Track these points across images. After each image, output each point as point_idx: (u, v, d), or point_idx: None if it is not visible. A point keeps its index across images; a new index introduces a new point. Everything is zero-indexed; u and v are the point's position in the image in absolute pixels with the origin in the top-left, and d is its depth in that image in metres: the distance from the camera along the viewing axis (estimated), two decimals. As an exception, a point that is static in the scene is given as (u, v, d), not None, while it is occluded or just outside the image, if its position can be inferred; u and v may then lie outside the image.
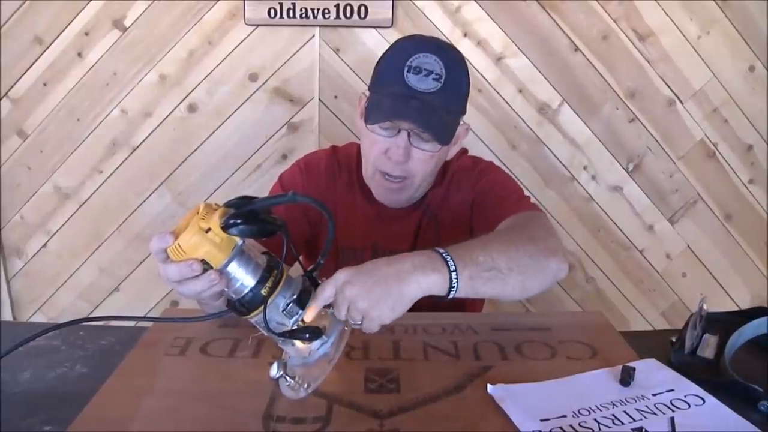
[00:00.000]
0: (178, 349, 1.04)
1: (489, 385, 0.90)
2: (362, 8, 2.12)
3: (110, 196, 2.30)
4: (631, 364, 0.93)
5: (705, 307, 1.09)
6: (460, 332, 1.12)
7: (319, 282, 0.88)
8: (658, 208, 2.37)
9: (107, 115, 2.23)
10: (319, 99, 2.22)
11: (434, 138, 1.18)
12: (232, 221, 0.76)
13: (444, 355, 1.03)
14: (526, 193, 1.36)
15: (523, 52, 2.21)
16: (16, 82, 2.19)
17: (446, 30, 2.17)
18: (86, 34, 2.15)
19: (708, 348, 1.04)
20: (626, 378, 0.91)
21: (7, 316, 2.38)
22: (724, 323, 1.09)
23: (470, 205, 1.36)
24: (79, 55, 2.17)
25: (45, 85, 2.19)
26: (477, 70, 2.21)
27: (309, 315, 0.85)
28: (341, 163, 1.40)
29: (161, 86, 2.20)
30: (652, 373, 0.95)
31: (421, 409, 0.87)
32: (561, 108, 2.26)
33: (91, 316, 2.29)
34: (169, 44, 2.17)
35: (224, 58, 2.18)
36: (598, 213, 2.36)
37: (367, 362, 1.00)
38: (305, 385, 0.85)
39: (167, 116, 2.23)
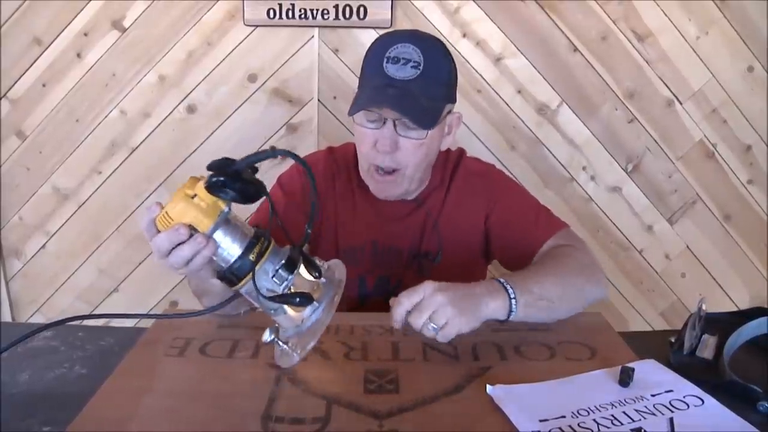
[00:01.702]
0: (177, 349, 1.04)
1: (488, 386, 0.90)
2: (361, 9, 2.12)
3: (109, 197, 2.30)
4: (630, 365, 0.93)
5: (704, 307, 1.09)
6: (459, 333, 1.12)
7: (313, 258, 0.88)
8: (657, 208, 2.37)
9: (106, 116, 2.23)
10: (319, 100, 2.22)
11: (414, 121, 1.19)
12: (215, 179, 0.79)
13: (443, 355, 1.03)
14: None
15: (522, 53, 2.21)
16: (15, 83, 2.19)
17: (445, 30, 2.17)
18: (85, 34, 2.15)
19: (707, 348, 1.04)
20: (625, 379, 0.91)
21: (6, 317, 2.37)
22: (722, 324, 1.09)
23: (484, 217, 1.37)
24: (78, 55, 2.17)
25: (44, 85, 2.19)
26: (476, 71, 2.21)
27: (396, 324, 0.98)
28: (339, 164, 1.41)
29: (160, 87, 2.20)
30: (651, 373, 0.94)
31: (421, 410, 0.86)
32: (560, 108, 2.26)
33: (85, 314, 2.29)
34: (168, 45, 2.17)
35: (223, 59, 2.19)
36: (597, 213, 2.36)
37: (366, 363, 1.00)
38: (298, 350, 0.86)
39: (166, 117, 2.23)
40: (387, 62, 1.19)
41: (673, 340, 1.08)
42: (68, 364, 1.03)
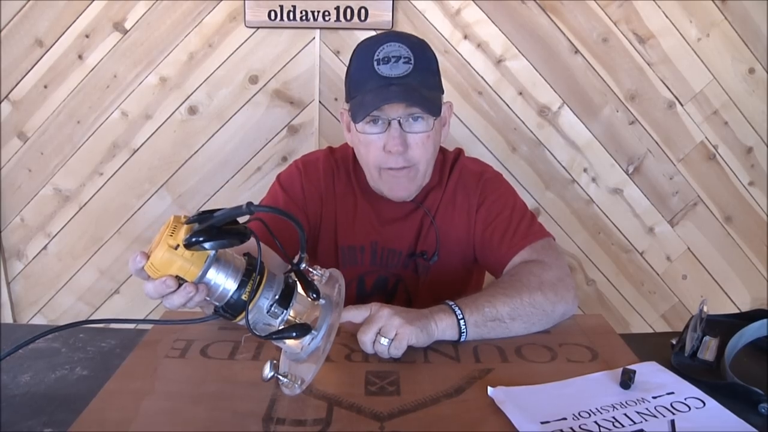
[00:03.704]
0: (178, 351, 1.04)
1: (489, 388, 0.90)
2: (362, 10, 2.12)
3: (110, 199, 2.30)
4: (631, 367, 0.93)
5: (705, 309, 1.09)
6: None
7: (311, 271, 0.86)
8: (658, 210, 2.37)
9: (107, 118, 2.23)
10: (320, 101, 2.22)
11: (425, 111, 1.21)
12: (194, 239, 0.76)
13: (444, 357, 1.03)
14: (528, 199, 1.38)
15: (523, 55, 2.21)
16: (16, 85, 2.19)
17: (446, 32, 2.18)
18: (87, 36, 2.15)
19: (708, 350, 1.05)
20: (626, 381, 0.91)
21: (8, 319, 2.38)
22: (724, 326, 1.10)
23: (474, 214, 1.37)
24: (80, 57, 2.17)
25: (45, 87, 2.20)
26: (477, 72, 2.21)
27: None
28: (339, 164, 1.41)
29: (161, 88, 2.20)
30: (653, 375, 0.95)
31: (422, 412, 0.87)
32: (561, 110, 2.26)
33: (90, 318, 2.30)
34: (170, 47, 2.17)
35: (224, 61, 2.19)
36: (599, 215, 2.36)
37: (367, 365, 1.00)
38: (299, 382, 0.85)
39: (167, 118, 2.23)
40: (378, 64, 1.20)
41: (674, 342, 1.08)
42: (69, 366, 1.03)
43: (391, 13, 2.12)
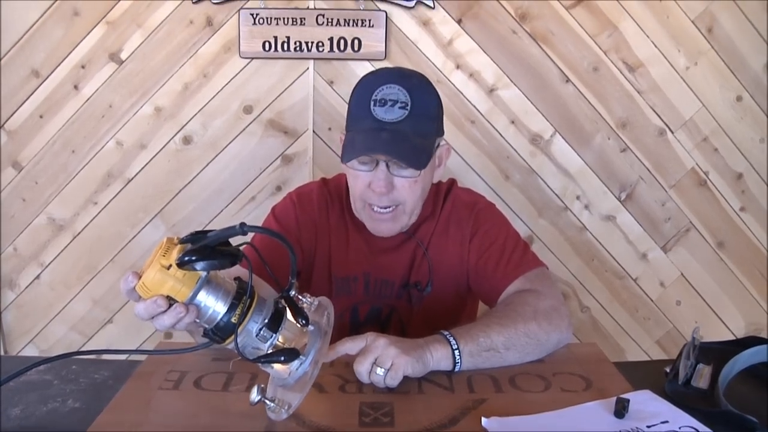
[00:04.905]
0: (171, 382, 1.04)
1: (483, 418, 0.90)
2: (356, 41, 2.15)
3: (105, 228, 2.29)
4: (625, 396, 0.93)
5: (698, 336, 1.09)
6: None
7: (300, 298, 0.87)
8: (651, 236, 2.38)
9: (102, 147, 2.24)
10: (314, 131, 2.24)
11: (408, 164, 1.21)
12: (186, 258, 0.77)
13: (438, 387, 1.03)
14: (522, 227, 1.38)
15: (515, 84, 2.24)
16: (12, 114, 2.20)
17: (439, 62, 2.21)
18: (83, 67, 2.17)
19: (702, 378, 1.04)
20: (621, 410, 0.91)
21: (-1, 349, 2.36)
22: (717, 353, 1.10)
23: (467, 244, 1.36)
24: (76, 87, 2.19)
25: (41, 117, 2.21)
26: (470, 102, 2.23)
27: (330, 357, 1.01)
28: (332, 195, 1.42)
29: (156, 118, 2.22)
30: (647, 404, 0.94)
31: (416, 443, 0.86)
32: (553, 138, 2.28)
33: (83, 349, 2.28)
34: (165, 77, 2.19)
35: (219, 91, 2.21)
36: (592, 242, 2.37)
37: (361, 395, 1.00)
38: (285, 407, 0.85)
39: (162, 148, 2.24)
40: (374, 105, 1.20)
41: (668, 369, 1.08)
42: (61, 398, 1.02)
43: (384, 44, 2.15)
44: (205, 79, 2.20)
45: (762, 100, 2.30)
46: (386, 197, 1.24)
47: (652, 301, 2.43)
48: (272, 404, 0.85)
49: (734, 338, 1.20)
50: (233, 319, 0.82)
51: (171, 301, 0.80)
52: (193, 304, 0.81)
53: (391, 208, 1.26)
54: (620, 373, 1.08)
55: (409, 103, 1.19)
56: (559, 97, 2.26)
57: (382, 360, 0.99)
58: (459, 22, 2.19)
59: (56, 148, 2.23)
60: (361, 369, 1.00)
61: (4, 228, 2.29)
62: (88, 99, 2.20)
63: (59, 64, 2.17)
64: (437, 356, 1.05)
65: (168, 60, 2.18)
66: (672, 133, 2.30)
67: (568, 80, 2.24)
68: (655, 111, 2.28)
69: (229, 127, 2.24)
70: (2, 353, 2.35)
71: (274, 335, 0.84)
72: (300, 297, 0.87)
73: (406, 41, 2.19)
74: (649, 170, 2.33)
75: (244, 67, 2.19)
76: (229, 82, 2.20)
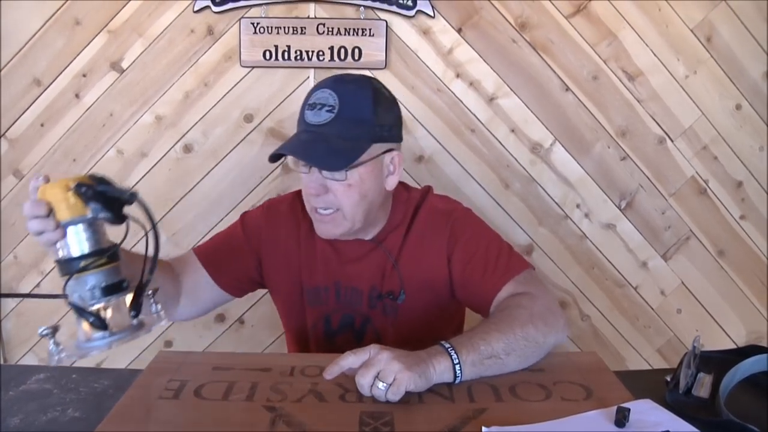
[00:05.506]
0: (172, 392, 1.04)
1: (484, 428, 0.90)
2: (356, 50, 2.16)
3: (105, 236, 2.29)
4: (626, 405, 0.93)
5: (698, 345, 1.09)
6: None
7: (151, 298, 0.95)
8: (651, 244, 2.38)
9: (103, 156, 2.24)
10: (314, 139, 2.23)
11: (317, 166, 1.23)
12: (82, 189, 0.88)
13: (438, 397, 1.03)
14: (522, 235, 1.38)
15: (515, 93, 2.25)
16: (13, 123, 2.21)
17: (439, 71, 2.21)
18: (84, 75, 2.18)
19: (702, 387, 1.04)
20: (621, 419, 0.91)
21: (-2, 357, 2.36)
22: (718, 362, 1.09)
23: (446, 256, 1.35)
24: (77, 96, 2.19)
25: (42, 125, 2.21)
26: (470, 110, 2.24)
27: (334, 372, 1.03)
28: (303, 207, 1.39)
29: (157, 127, 2.22)
30: (648, 413, 0.94)
31: (416, 453, 0.86)
32: (553, 147, 2.29)
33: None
34: (166, 86, 2.20)
35: (220, 100, 2.21)
36: (592, 250, 2.37)
37: (361, 405, 1.00)
38: (62, 355, 0.88)
39: (163, 157, 2.25)
40: (306, 109, 1.24)
41: (668, 378, 1.08)
42: (61, 407, 1.02)
43: (384, 53, 2.16)
44: (206, 88, 2.20)
45: (761, 109, 2.30)
46: (321, 199, 1.26)
47: (652, 309, 2.43)
48: (52, 347, 0.88)
49: (735, 347, 1.19)
50: (82, 264, 0.89)
51: (52, 214, 0.89)
52: (63, 228, 0.89)
53: (330, 211, 1.27)
54: (621, 382, 1.08)
55: (337, 107, 1.21)
56: (559, 105, 2.26)
57: (384, 375, 0.99)
58: (459, 31, 2.20)
59: (57, 157, 2.23)
60: (363, 382, 1.00)
61: (5, 236, 2.29)
62: (89, 108, 2.20)
63: (60, 73, 2.18)
64: (440, 369, 1.05)
65: (169, 69, 2.19)
66: (672, 141, 2.31)
67: (567, 89, 2.25)
68: (654, 119, 2.29)
69: (229, 135, 2.24)
70: (2, 362, 2.35)
71: (101, 299, 0.90)
72: (152, 298, 0.95)
73: (406, 50, 2.20)
74: (649, 178, 2.33)
75: (245, 75, 2.20)
76: (229, 90, 2.21)
